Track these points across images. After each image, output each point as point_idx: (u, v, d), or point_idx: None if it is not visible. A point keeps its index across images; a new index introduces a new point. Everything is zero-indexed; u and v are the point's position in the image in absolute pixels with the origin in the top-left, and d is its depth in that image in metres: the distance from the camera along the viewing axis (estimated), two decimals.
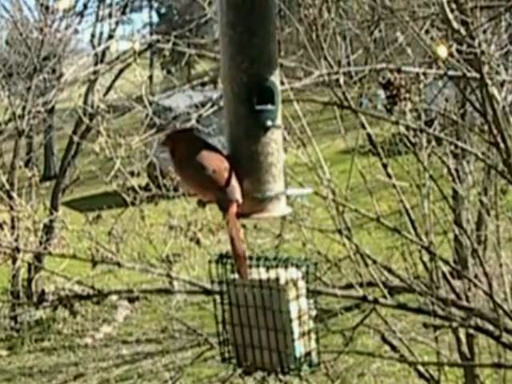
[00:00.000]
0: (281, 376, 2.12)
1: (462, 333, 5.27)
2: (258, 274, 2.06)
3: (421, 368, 5.13)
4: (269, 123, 2.04)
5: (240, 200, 2.01)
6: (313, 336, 2.09)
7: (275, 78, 2.06)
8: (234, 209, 2.01)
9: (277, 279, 2.04)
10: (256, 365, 2.09)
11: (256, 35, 2.03)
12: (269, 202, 2.06)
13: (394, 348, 5.03)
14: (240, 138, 2.05)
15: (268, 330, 2.05)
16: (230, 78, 2.06)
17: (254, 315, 2.07)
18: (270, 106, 2.05)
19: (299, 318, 2.05)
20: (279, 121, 2.07)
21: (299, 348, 2.05)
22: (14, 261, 5.90)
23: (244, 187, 2.02)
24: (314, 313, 2.09)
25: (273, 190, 2.06)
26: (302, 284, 2.08)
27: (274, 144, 2.06)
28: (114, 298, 10.35)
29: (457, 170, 5.12)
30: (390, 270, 4.77)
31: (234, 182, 2.01)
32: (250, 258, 2.06)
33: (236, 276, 2.06)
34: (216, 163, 2.03)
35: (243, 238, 4.89)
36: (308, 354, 2.08)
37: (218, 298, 2.12)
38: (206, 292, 4.59)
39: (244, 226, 4.86)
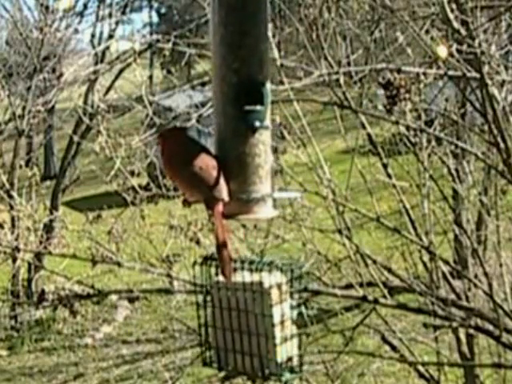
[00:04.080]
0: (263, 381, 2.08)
1: (462, 333, 5.27)
2: (242, 276, 2.03)
3: (421, 368, 5.13)
4: (257, 124, 2.03)
5: (226, 198, 2.00)
6: (295, 341, 2.06)
7: (266, 78, 2.05)
8: (220, 207, 2.00)
9: (260, 283, 2.01)
10: (237, 369, 2.06)
11: (248, 35, 2.02)
12: (255, 204, 2.04)
13: (394, 348, 5.03)
14: (228, 139, 2.04)
15: (250, 335, 2.03)
16: (220, 77, 2.05)
17: (237, 319, 2.04)
18: (258, 107, 2.03)
19: (282, 322, 2.03)
20: (268, 122, 2.06)
21: (281, 353, 2.02)
22: (14, 260, 5.91)
23: (230, 188, 2.01)
24: (295, 315, 2.05)
25: (259, 192, 2.04)
26: (285, 288, 2.05)
27: (262, 145, 2.04)
28: (114, 297, 10.36)
29: (457, 170, 5.12)
30: (390, 270, 4.77)
31: (222, 180, 2.01)
32: (235, 261, 2.04)
33: (220, 278, 2.04)
34: (204, 161, 2.02)
35: (243, 238, 4.89)
36: (290, 359, 2.05)
37: (201, 300, 2.10)
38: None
39: (244, 226, 4.86)
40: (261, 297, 2.01)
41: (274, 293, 2.02)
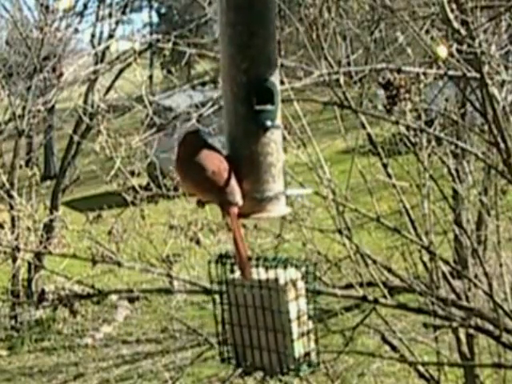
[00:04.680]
0: (280, 376, 2.11)
1: (462, 333, 5.27)
2: (258, 274, 2.05)
3: (421, 368, 5.13)
4: (268, 123, 2.04)
5: (240, 202, 1.99)
6: (312, 336, 2.08)
7: (275, 78, 2.06)
8: (235, 210, 2.00)
9: (276, 279, 2.03)
10: (255, 365, 2.08)
11: (256, 35, 2.03)
12: (268, 202, 2.05)
13: (394, 348, 5.03)
14: (239, 138, 2.05)
15: (267, 331, 2.04)
16: (229, 77, 2.05)
17: (254, 315, 2.06)
18: (269, 106, 2.04)
19: (298, 318, 2.05)
20: (279, 121, 2.07)
21: (298, 348, 2.04)
22: (15, 260, 5.91)
23: (243, 187, 2.01)
24: (311, 312, 2.08)
25: (272, 191, 2.05)
26: (301, 284, 2.07)
27: (274, 144, 2.05)
28: (114, 297, 10.36)
29: (457, 170, 5.12)
30: (390, 270, 4.77)
31: (234, 183, 2.00)
32: (250, 259, 2.05)
33: (235, 276, 2.06)
34: (216, 164, 2.01)
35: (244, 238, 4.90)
36: (307, 354, 2.07)
37: (217, 298, 2.12)
38: (206, 292, 4.59)
39: (244, 226, 4.86)
40: (277, 294, 2.02)
41: (290, 289, 2.03)
